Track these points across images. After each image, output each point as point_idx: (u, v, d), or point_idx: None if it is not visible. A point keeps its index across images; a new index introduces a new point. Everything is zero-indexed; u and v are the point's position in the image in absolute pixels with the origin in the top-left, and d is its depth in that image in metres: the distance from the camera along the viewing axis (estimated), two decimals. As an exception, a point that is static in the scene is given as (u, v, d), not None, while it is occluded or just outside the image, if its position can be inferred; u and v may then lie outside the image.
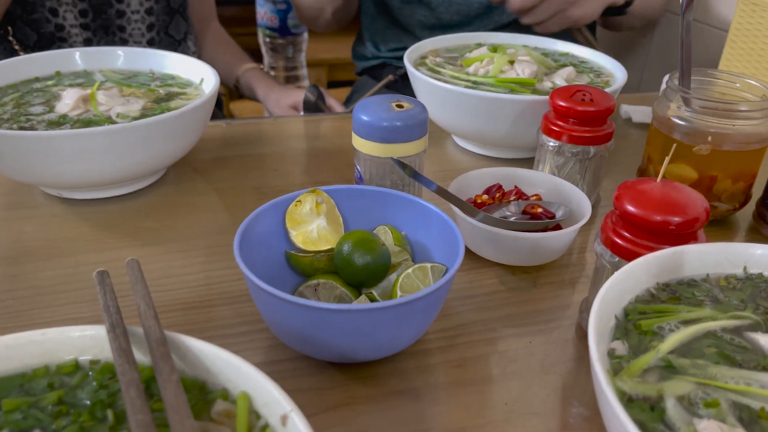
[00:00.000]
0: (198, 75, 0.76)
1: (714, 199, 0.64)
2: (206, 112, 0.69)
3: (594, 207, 0.67)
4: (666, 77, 0.67)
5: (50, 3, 0.99)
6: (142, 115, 0.67)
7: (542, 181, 0.65)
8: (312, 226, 0.53)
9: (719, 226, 0.67)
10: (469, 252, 0.60)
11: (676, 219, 0.43)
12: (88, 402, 0.33)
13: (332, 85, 2.21)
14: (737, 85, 0.65)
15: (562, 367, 0.48)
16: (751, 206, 0.67)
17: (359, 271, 0.49)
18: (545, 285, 0.58)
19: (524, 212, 0.60)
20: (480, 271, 0.59)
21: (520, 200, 0.62)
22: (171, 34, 1.12)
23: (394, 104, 0.57)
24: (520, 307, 0.55)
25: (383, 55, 1.21)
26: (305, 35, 1.70)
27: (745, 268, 0.45)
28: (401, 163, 0.53)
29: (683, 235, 0.44)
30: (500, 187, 0.64)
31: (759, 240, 0.64)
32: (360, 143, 0.57)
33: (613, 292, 0.40)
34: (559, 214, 0.60)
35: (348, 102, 1.26)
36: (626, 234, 0.45)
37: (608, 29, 1.23)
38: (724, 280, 0.44)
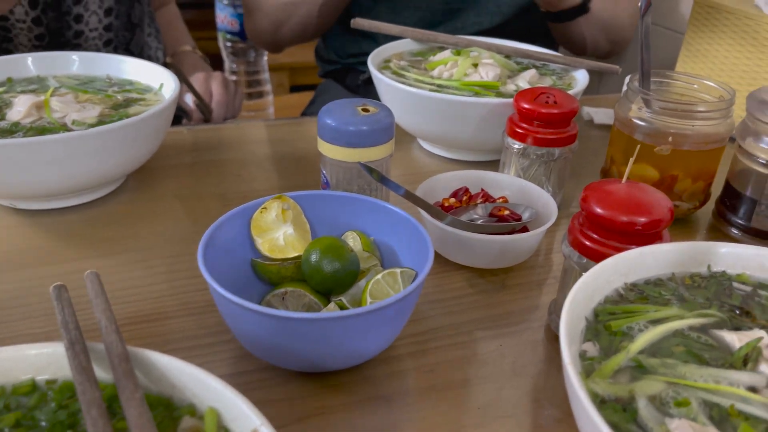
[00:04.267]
0: (157, 80, 0.75)
1: (675, 198, 0.65)
2: (167, 118, 0.67)
3: (559, 208, 0.68)
4: (627, 79, 0.68)
5: (2, 22, 0.95)
6: (99, 122, 0.65)
7: (508, 183, 0.65)
8: (278, 234, 0.52)
9: (680, 225, 0.68)
10: (437, 255, 0.60)
11: (642, 219, 0.44)
12: (46, 423, 0.31)
13: (295, 89, 2.19)
14: (695, 86, 0.67)
15: (533, 369, 0.48)
16: (710, 205, 0.69)
17: (328, 278, 0.48)
18: (514, 287, 0.58)
19: (491, 215, 0.60)
20: (448, 274, 0.59)
21: (486, 203, 0.63)
22: (131, 50, 1.08)
23: (359, 108, 0.56)
24: (490, 309, 0.55)
25: (346, 61, 1.20)
26: (266, 39, 1.67)
27: (708, 267, 0.45)
28: (369, 168, 0.52)
29: (649, 234, 0.45)
30: (467, 190, 0.64)
31: (719, 237, 0.65)
32: (326, 148, 0.56)
33: (582, 294, 0.40)
34: (525, 216, 0.60)
35: (311, 106, 1.25)
36: (593, 235, 0.46)
37: (571, 49, 1.14)
38: (689, 278, 0.45)
